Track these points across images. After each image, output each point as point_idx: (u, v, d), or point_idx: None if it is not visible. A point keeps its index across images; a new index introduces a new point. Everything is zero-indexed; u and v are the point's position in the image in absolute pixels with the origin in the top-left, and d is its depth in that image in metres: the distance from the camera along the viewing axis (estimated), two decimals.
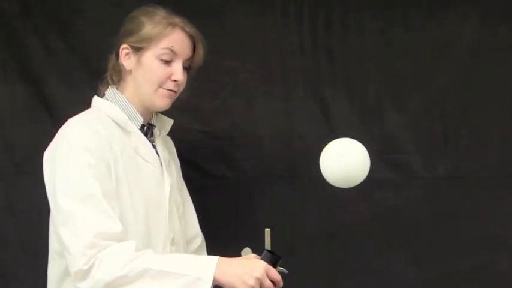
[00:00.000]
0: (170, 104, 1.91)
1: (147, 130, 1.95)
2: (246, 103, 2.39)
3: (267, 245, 1.76)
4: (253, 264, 1.70)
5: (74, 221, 1.70)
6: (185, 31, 1.89)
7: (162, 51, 1.86)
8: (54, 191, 1.75)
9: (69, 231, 1.71)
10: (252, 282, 1.67)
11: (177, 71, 1.87)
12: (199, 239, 2.09)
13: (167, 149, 2.02)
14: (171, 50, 1.86)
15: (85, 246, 1.67)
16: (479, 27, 2.30)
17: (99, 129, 1.81)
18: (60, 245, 1.77)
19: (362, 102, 2.35)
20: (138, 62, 1.88)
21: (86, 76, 2.31)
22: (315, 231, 2.34)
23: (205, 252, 2.10)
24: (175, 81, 1.87)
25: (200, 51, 1.93)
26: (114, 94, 1.91)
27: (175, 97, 1.92)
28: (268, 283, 1.69)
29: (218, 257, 1.71)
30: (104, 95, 1.93)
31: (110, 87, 1.92)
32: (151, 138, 1.96)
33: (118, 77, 1.93)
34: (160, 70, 1.86)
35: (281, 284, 1.73)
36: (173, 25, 1.88)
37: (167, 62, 1.87)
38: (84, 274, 1.68)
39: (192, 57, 1.92)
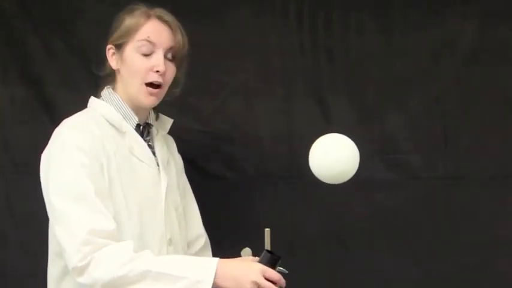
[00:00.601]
0: (156, 100, 1.89)
1: (143, 130, 1.94)
2: (246, 103, 2.39)
3: (267, 245, 1.75)
4: (249, 268, 1.70)
5: (67, 220, 1.71)
6: (162, 20, 1.88)
7: (139, 43, 1.85)
8: (48, 190, 1.76)
9: (64, 229, 1.72)
10: (248, 286, 1.67)
11: (158, 62, 1.85)
12: (202, 239, 2.08)
13: (167, 149, 2.01)
14: (148, 41, 1.85)
15: (79, 243, 1.68)
16: (479, 27, 2.30)
17: (93, 129, 1.81)
18: (57, 244, 1.78)
19: (362, 102, 2.35)
20: (121, 59, 1.88)
21: (86, 76, 2.31)
22: (315, 231, 2.34)
23: (210, 253, 2.09)
24: (157, 71, 1.86)
25: (179, 38, 1.90)
26: (109, 94, 1.91)
27: (163, 93, 1.90)
28: (266, 284, 1.69)
29: (218, 259, 1.71)
30: (100, 95, 1.93)
31: (106, 87, 1.93)
32: (148, 138, 1.95)
33: (112, 77, 1.93)
34: (141, 63, 1.85)
35: (282, 282, 1.72)
36: (148, 16, 1.87)
37: (147, 55, 1.86)
38: (80, 271, 1.69)
39: (173, 47, 1.89)
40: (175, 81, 1.95)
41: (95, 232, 1.69)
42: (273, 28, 2.37)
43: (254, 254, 1.79)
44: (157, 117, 2.02)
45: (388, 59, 2.34)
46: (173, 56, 1.90)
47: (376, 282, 2.32)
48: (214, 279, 1.67)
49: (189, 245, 2.04)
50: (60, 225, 1.73)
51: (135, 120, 1.90)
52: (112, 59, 1.90)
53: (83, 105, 1.94)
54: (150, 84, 1.87)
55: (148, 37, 1.85)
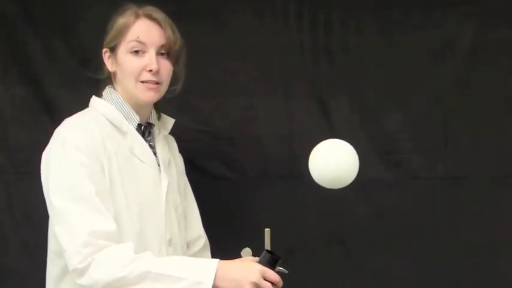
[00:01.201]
0: (156, 96, 1.88)
1: (145, 130, 1.94)
2: (246, 103, 2.39)
3: (267, 245, 1.75)
4: (249, 269, 1.70)
5: (67, 220, 1.71)
6: (151, 19, 1.87)
7: (130, 44, 1.85)
8: (48, 190, 1.76)
9: (64, 230, 1.72)
10: (248, 286, 1.67)
11: (151, 61, 1.85)
12: (202, 240, 2.09)
13: (168, 149, 2.01)
14: (138, 41, 1.85)
15: (80, 244, 1.68)
16: (479, 27, 2.30)
17: (94, 129, 1.81)
18: (57, 244, 1.78)
19: (362, 102, 2.35)
20: (115, 61, 1.88)
21: (86, 76, 2.30)
22: (315, 231, 2.34)
23: (209, 254, 2.10)
24: (150, 71, 1.85)
25: (170, 34, 1.88)
26: (110, 93, 1.91)
27: (162, 89, 1.89)
28: (265, 285, 1.69)
29: (218, 260, 1.71)
30: (102, 95, 1.93)
31: (107, 87, 1.93)
32: (149, 138, 1.95)
33: (110, 79, 1.93)
34: (133, 63, 1.85)
35: (281, 284, 1.72)
36: (137, 15, 1.87)
37: (139, 54, 1.85)
38: (81, 272, 1.69)
39: (165, 44, 1.88)
40: (174, 78, 1.94)
41: (95, 233, 1.69)
42: (273, 28, 2.37)
43: (254, 254, 1.79)
44: (159, 117, 2.01)
45: (388, 59, 2.34)
46: (167, 52, 1.89)
47: (376, 282, 2.32)
48: (214, 280, 1.67)
49: (188, 245, 2.04)
50: (61, 226, 1.73)
51: (137, 120, 1.90)
52: (108, 62, 1.90)
53: (83, 105, 1.94)
54: (145, 82, 1.86)
55: (138, 37, 1.85)
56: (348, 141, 1.82)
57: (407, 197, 2.33)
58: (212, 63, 2.36)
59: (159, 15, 1.88)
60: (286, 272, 1.75)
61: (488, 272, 2.29)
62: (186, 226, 2.03)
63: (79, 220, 1.70)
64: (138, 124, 1.91)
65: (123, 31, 1.86)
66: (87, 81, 2.23)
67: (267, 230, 1.76)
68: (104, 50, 1.90)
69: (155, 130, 1.98)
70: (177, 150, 2.09)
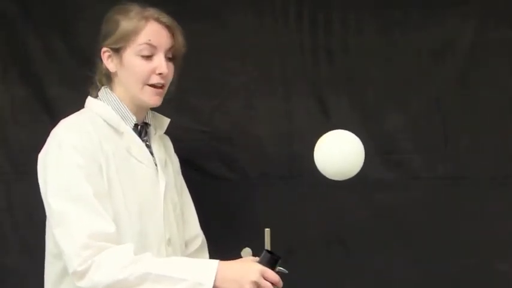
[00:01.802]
0: (160, 100, 1.89)
1: (141, 129, 1.94)
2: (246, 103, 2.39)
3: (267, 245, 1.75)
4: (249, 268, 1.70)
5: (66, 222, 1.71)
6: (160, 22, 1.87)
7: (140, 47, 1.85)
8: (46, 192, 1.76)
9: (63, 232, 1.72)
10: (248, 286, 1.67)
11: (160, 64, 1.85)
12: (199, 239, 2.08)
13: (164, 149, 2.01)
14: (149, 44, 1.85)
15: (79, 247, 1.68)
16: (479, 27, 2.30)
17: (90, 130, 1.81)
18: (54, 246, 1.78)
19: (362, 102, 2.35)
20: (120, 62, 1.87)
21: (86, 76, 2.30)
22: (315, 231, 2.34)
23: (207, 253, 2.10)
24: (160, 74, 1.86)
25: (179, 39, 1.90)
26: (106, 94, 1.91)
27: (165, 91, 1.90)
28: (265, 284, 1.69)
29: (218, 261, 1.71)
30: (97, 95, 1.92)
31: (103, 87, 1.92)
32: (145, 138, 1.95)
33: (107, 79, 1.92)
34: (143, 66, 1.85)
35: (281, 284, 1.72)
36: (146, 18, 1.86)
37: (148, 57, 1.85)
38: (81, 275, 1.69)
39: (172, 47, 1.89)
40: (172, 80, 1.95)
41: (94, 235, 1.69)
42: (273, 28, 2.37)
43: (254, 254, 1.79)
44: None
45: (388, 59, 2.34)
46: (173, 56, 1.90)
47: (376, 282, 2.32)
48: (215, 281, 1.67)
49: (186, 244, 2.04)
50: (59, 228, 1.73)
51: (133, 120, 1.90)
52: (108, 62, 1.89)
53: (82, 105, 1.94)
54: (152, 85, 1.87)
55: (149, 40, 1.85)
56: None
57: (407, 197, 2.33)
58: (212, 63, 2.36)
59: (167, 19, 1.89)
60: (286, 272, 1.75)
61: (488, 272, 2.29)
62: (184, 225, 2.03)
63: (78, 222, 1.70)
64: (135, 124, 1.91)
65: (132, 34, 1.84)
66: (87, 81, 2.24)
67: (267, 230, 1.76)
68: (104, 49, 1.89)
69: (151, 130, 1.98)
70: (173, 150, 2.09)
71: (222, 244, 2.06)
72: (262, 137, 2.38)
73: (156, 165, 1.92)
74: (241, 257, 1.79)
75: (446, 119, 2.32)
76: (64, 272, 1.78)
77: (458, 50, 2.31)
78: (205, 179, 2.36)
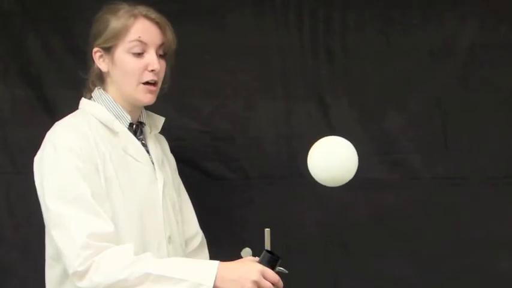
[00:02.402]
0: (154, 97, 1.89)
1: (136, 129, 1.93)
2: (246, 103, 2.39)
3: (267, 245, 1.75)
4: (249, 268, 1.70)
5: (65, 223, 1.71)
6: (149, 19, 1.87)
7: (131, 44, 1.84)
8: (43, 195, 1.76)
9: (62, 233, 1.71)
10: (248, 286, 1.67)
11: (152, 61, 1.85)
12: (199, 237, 2.08)
13: (160, 148, 2.00)
14: (140, 41, 1.84)
15: (79, 247, 1.67)
16: (479, 27, 2.30)
17: (86, 130, 1.81)
18: (54, 248, 1.78)
19: (362, 102, 2.35)
20: (112, 61, 1.87)
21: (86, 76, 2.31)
22: (314, 231, 2.34)
23: (207, 251, 2.10)
24: (152, 70, 1.85)
25: (169, 35, 1.89)
26: (100, 95, 1.90)
27: (158, 89, 1.90)
28: (265, 284, 1.69)
29: (218, 262, 1.71)
30: (91, 96, 1.92)
31: (96, 88, 1.91)
32: (141, 137, 1.94)
33: (100, 79, 1.92)
34: (135, 64, 1.85)
35: (281, 284, 1.72)
36: (135, 16, 1.85)
37: (139, 54, 1.85)
38: (81, 275, 1.68)
39: (163, 44, 1.89)
40: (164, 78, 1.94)
41: (94, 236, 1.68)
42: (273, 28, 2.37)
43: (254, 254, 1.79)
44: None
45: (388, 59, 2.34)
46: (164, 52, 1.90)
47: (376, 282, 2.32)
48: (215, 282, 1.67)
49: (186, 242, 2.03)
50: (58, 230, 1.72)
51: (128, 119, 1.89)
52: (100, 62, 1.88)
53: None
54: (146, 83, 1.87)
55: (139, 37, 1.84)
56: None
57: (407, 197, 2.33)
58: (212, 63, 2.36)
59: (155, 15, 1.88)
60: (286, 272, 1.75)
61: (488, 272, 2.29)
62: (183, 224, 2.02)
63: (76, 223, 1.69)
64: (130, 123, 1.90)
65: (121, 32, 1.84)
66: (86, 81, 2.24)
67: (267, 230, 1.76)
68: (95, 49, 1.88)
69: (146, 129, 1.97)
70: (169, 149, 2.09)
71: (222, 244, 2.06)
72: (262, 137, 2.38)
73: (153, 163, 1.92)
74: (241, 257, 1.79)
75: (447, 119, 2.33)
76: (65, 275, 1.78)
77: (458, 50, 2.32)
78: (205, 179, 2.36)
